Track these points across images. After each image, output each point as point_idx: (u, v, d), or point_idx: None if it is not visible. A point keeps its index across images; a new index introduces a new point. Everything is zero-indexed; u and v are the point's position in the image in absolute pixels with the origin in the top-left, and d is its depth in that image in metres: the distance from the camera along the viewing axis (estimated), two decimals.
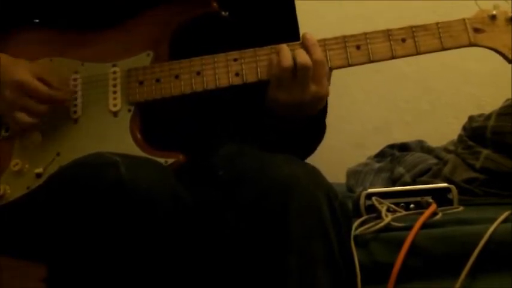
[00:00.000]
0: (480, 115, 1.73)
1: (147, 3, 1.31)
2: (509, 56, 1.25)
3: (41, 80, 1.26)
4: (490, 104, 2.07)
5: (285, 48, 1.22)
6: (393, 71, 2.42)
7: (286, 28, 1.40)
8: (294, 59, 1.21)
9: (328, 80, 1.24)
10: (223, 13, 1.30)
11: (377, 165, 2.06)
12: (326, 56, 1.24)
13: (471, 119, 1.73)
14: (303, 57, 1.20)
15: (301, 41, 1.24)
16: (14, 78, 1.25)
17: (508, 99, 1.69)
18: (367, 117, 2.52)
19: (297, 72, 1.20)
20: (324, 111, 1.32)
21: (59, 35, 1.33)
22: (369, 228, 1.22)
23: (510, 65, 1.27)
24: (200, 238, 1.16)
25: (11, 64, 1.27)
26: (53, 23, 1.34)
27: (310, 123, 1.29)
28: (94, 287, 1.05)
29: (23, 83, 1.25)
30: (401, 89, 2.49)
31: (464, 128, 1.74)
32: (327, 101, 1.30)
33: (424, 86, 2.47)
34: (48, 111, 1.27)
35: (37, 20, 1.35)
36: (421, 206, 1.32)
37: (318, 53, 1.22)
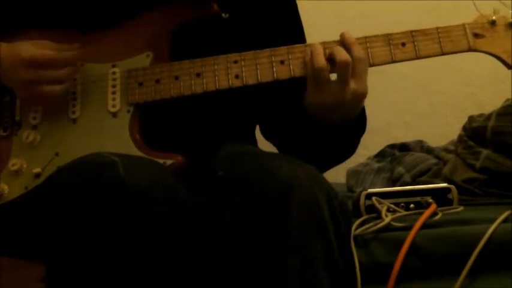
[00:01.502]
0: (480, 115, 1.73)
1: (148, 4, 1.31)
2: (509, 62, 1.25)
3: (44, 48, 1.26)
4: (490, 104, 2.07)
5: (317, 48, 1.23)
6: (393, 72, 2.41)
7: (289, 30, 1.40)
8: (332, 56, 1.21)
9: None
10: (223, 15, 1.30)
11: (377, 165, 2.06)
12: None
13: (471, 119, 1.73)
14: (342, 55, 1.21)
15: (339, 40, 1.24)
16: (21, 57, 1.24)
17: (508, 99, 1.69)
18: (368, 118, 2.52)
19: (337, 70, 1.21)
20: (361, 115, 1.33)
21: (59, 35, 1.33)
22: (368, 228, 1.22)
23: (510, 70, 1.27)
24: (200, 238, 1.16)
25: (12, 47, 1.27)
26: (52, 23, 1.33)
27: (353, 126, 1.30)
28: (93, 287, 1.05)
29: (31, 58, 1.24)
30: (401, 89, 2.49)
31: (464, 128, 1.74)
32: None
33: (423, 87, 2.48)
34: (70, 75, 1.27)
35: (37, 21, 1.34)
36: (421, 206, 1.32)
37: (359, 50, 1.22)
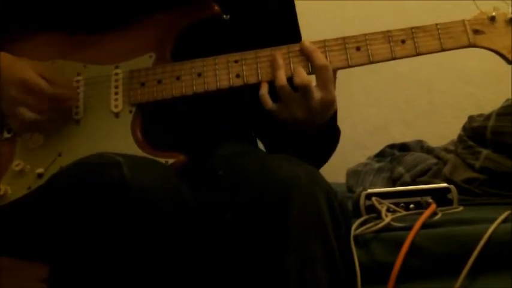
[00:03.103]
0: (480, 115, 1.73)
1: (150, 6, 1.31)
2: (509, 57, 1.25)
3: (44, 78, 1.26)
4: (490, 104, 2.08)
5: (279, 65, 1.22)
6: (393, 71, 2.42)
7: (287, 31, 1.40)
8: (294, 78, 1.21)
9: (334, 82, 1.24)
10: (224, 16, 1.30)
11: (377, 165, 2.07)
12: (326, 57, 1.23)
13: (471, 119, 1.73)
14: (300, 77, 1.20)
15: (299, 48, 1.24)
16: (17, 76, 1.25)
17: (508, 99, 1.69)
18: (367, 118, 2.53)
19: (299, 89, 1.20)
20: (334, 117, 1.31)
21: (62, 37, 1.34)
22: (368, 228, 1.22)
23: (510, 65, 1.27)
24: (201, 238, 1.16)
25: (14, 62, 1.27)
26: (55, 26, 1.34)
27: (322, 131, 1.28)
28: (96, 287, 1.06)
29: (25, 80, 1.24)
30: (401, 89, 2.50)
31: (464, 128, 1.74)
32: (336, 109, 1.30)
33: (424, 86, 2.48)
34: (51, 110, 1.27)
35: (40, 23, 1.35)
36: (421, 206, 1.32)
37: (320, 58, 1.22)
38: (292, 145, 1.28)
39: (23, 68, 1.26)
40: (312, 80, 1.22)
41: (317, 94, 1.21)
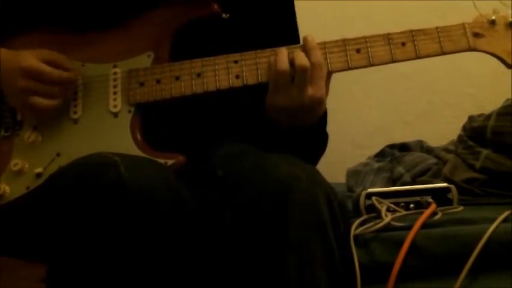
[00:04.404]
0: (480, 115, 1.73)
1: (148, 4, 1.31)
2: (509, 61, 1.25)
3: (47, 62, 1.26)
4: (490, 104, 2.07)
5: (282, 51, 1.23)
6: (393, 72, 2.42)
7: (286, 31, 1.40)
8: (293, 61, 1.22)
9: (327, 84, 1.24)
10: (224, 15, 1.31)
11: (377, 165, 2.06)
12: (326, 59, 1.24)
13: (471, 119, 1.73)
14: (301, 59, 1.21)
15: (302, 43, 1.24)
16: (21, 65, 1.25)
17: (508, 99, 1.68)
18: (368, 118, 2.53)
19: (295, 74, 1.21)
20: (324, 120, 1.32)
21: (60, 36, 1.34)
22: (368, 228, 1.22)
23: (509, 69, 1.27)
24: (200, 238, 1.16)
25: (14, 54, 1.28)
26: (54, 24, 1.34)
27: (312, 133, 1.29)
28: (94, 287, 1.05)
29: (30, 68, 1.25)
30: (401, 90, 2.50)
31: (464, 128, 1.74)
32: (326, 112, 1.30)
33: (424, 86, 2.48)
34: (60, 94, 1.27)
35: (38, 21, 1.35)
36: (421, 206, 1.32)
37: (317, 56, 1.22)
38: (283, 147, 1.28)
39: (25, 57, 1.26)
40: None
41: (309, 90, 1.21)
